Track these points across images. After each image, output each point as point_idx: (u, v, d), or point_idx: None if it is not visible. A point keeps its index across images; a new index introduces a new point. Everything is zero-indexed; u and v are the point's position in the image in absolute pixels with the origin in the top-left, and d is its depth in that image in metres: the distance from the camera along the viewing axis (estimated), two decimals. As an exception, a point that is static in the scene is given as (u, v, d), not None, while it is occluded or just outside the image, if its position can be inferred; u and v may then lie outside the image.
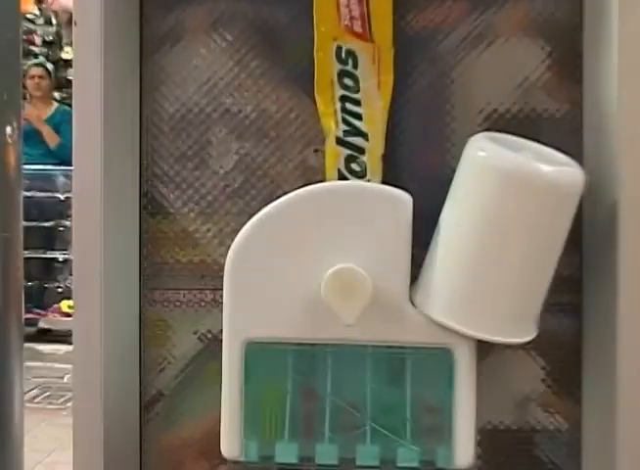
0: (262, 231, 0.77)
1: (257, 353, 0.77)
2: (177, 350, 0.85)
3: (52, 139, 4.80)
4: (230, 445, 0.78)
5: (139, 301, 0.85)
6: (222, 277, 0.77)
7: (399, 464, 0.77)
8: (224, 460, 0.82)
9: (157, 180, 0.85)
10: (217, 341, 0.82)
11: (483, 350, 0.80)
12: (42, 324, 4.80)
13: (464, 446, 0.77)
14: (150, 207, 0.85)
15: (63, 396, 3.92)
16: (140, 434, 0.85)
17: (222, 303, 0.78)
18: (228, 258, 0.77)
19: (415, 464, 0.77)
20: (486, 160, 0.73)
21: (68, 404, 3.85)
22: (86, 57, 0.78)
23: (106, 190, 0.79)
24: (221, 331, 0.78)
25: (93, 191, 0.79)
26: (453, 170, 0.77)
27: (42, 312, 4.85)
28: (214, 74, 0.84)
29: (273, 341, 0.77)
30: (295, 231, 0.76)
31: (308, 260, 0.76)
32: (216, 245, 0.85)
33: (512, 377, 0.84)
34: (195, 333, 0.85)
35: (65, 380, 3.88)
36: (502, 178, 0.72)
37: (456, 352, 0.77)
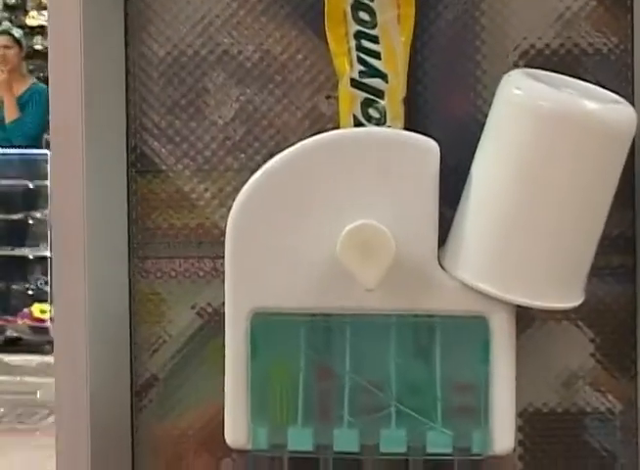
0: (268, 188, 0.77)
1: (265, 327, 0.78)
2: (173, 327, 0.86)
3: (11, 113, 4.74)
4: (236, 433, 0.79)
5: (128, 272, 0.85)
6: (223, 244, 0.78)
7: (429, 450, 0.77)
8: (228, 452, 0.84)
9: (146, 133, 0.86)
10: (219, 315, 0.83)
11: (523, 320, 0.81)
12: (10, 332, 4.79)
13: (503, 428, 0.78)
14: (139, 164, 0.86)
15: (35, 413, 3.91)
16: (132, 424, 0.86)
17: (224, 272, 0.78)
18: (230, 220, 0.77)
19: (447, 450, 0.77)
20: (524, 98, 0.74)
21: (43, 423, 3.86)
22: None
23: (88, 145, 0.80)
24: (223, 304, 0.79)
25: (73, 147, 0.80)
26: (485, 116, 0.78)
27: (10, 318, 4.84)
28: (210, 11, 0.85)
29: (283, 312, 0.77)
30: (305, 186, 0.77)
31: (321, 219, 0.76)
32: (216, 206, 0.85)
33: (556, 352, 0.84)
34: (193, 307, 0.86)
35: (37, 396, 3.88)
36: (542, 119, 0.73)
37: (492, 320, 0.77)
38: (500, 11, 0.83)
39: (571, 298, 0.77)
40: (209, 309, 0.85)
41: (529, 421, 0.84)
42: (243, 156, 0.85)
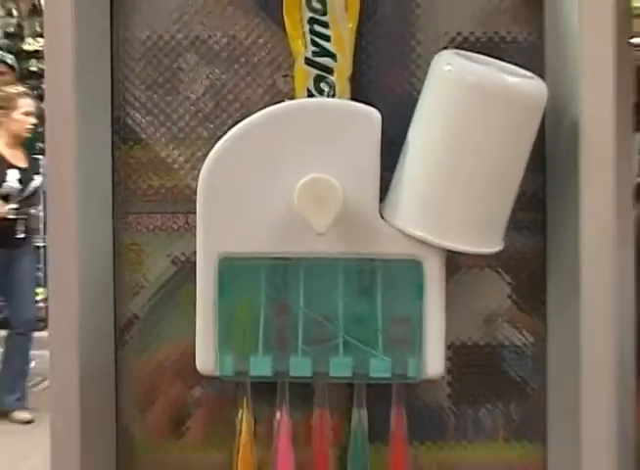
0: (233, 150, 0.77)
1: (231, 269, 0.77)
2: (151, 273, 0.85)
3: None
4: (205, 360, 0.78)
5: (112, 225, 0.85)
6: (194, 201, 0.77)
7: (371, 375, 0.77)
8: (199, 381, 0.83)
9: (129, 106, 0.85)
10: (190, 264, 0.83)
11: (452, 268, 0.81)
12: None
13: (434, 356, 0.78)
14: (122, 132, 0.85)
15: (31, 380, 3.88)
16: (115, 357, 0.85)
17: (195, 226, 0.78)
18: (200, 178, 0.77)
19: (387, 375, 0.77)
20: (453, 73, 0.74)
21: (38, 387, 3.82)
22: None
23: (78, 116, 0.78)
24: (194, 253, 0.78)
25: (66, 117, 0.78)
26: (419, 92, 0.78)
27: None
28: (184, 2, 0.84)
29: (246, 256, 0.77)
30: (265, 149, 0.76)
31: (279, 176, 0.76)
32: (188, 170, 0.85)
33: (479, 294, 0.84)
34: (168, 256, 0.85)
35: (33, 365, 3.84)
36: (469, 90, 0.73)
37: (426, 262, 0.77)
38: (432, 3, 0.83)
39: (493, 244, 0.78)
40: (182, 258, 0.85)
41: (456, 353, 0.85)
42: (212, 126, 0.85)
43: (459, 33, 0.83)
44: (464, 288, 0.84)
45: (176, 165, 0.85)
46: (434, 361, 0.78)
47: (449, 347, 0.84)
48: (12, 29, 5.82)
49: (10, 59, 5.04)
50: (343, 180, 0.75)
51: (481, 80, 0.73)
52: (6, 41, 5.80)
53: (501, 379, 0.85)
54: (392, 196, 0.78)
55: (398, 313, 0.78)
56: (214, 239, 0.77)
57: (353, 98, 0.80)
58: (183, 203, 0.84)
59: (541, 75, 0.80)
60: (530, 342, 0.85)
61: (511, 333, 0.85)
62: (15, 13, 5.87)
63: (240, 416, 0.79)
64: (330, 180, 0.74)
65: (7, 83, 4.62)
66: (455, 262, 0.82)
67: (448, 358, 0.84)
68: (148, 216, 0.85)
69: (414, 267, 0.77)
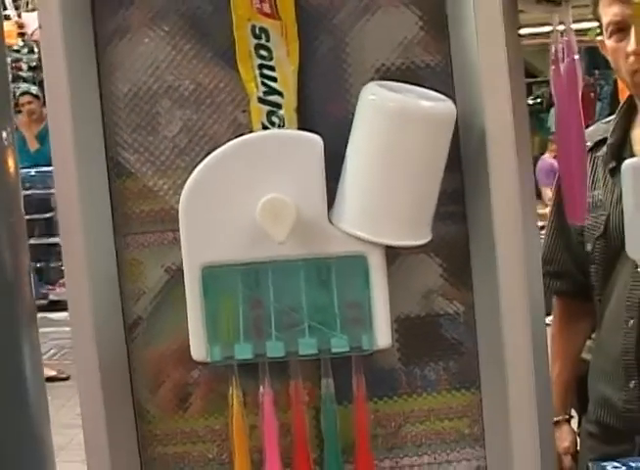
0: (206, 177, 0.78)
1: (212, 275, 0.78)
2: (149, 282, 0.85)
3: (32, 145, 4.77)
4: (198, 350, 0.79)
5: (114, 245, 0.85)
6: (178, 220, 0.78)
7: (333, 350, 0.78)
8: (195, 365, 0.84)
9: (119, 147, 0.85)
10: (181, 271, 0.81)
11: (392, 256, 0.81)
12: (52, 297, 4.76)
13: (382, 330, 0.79)
14: (115, 169, 0.85)
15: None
16: (127, 350, 0.86)
17: (181, 239, 0.78)
18: (181, 200, 0.77)
19: (346, 349, 0.78)
20: (376, 101, 0.75)
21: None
22: (52, 53, 0.77)
23: (79, 158, 0.78)
24: (183, 262, 0.78)
25: (69, 160, 0.78)
26: (354, 116, 0.78)
27: (50, 287, 4.82)
28: (157, 58, 0.84)
29: (224, 263, 0.77)
30: (232, 174, 0.77)
31: (245, 196, 0.77)
32: (172, 195, 0.85)
33: (417, 275, 0.85)
34: (162, 267, 0.85)
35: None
36: (390, 115, 0.74)
37: (369, 257, 0.78)
38: (359, 42, 0.83)
39: (423, 237, 0.79)
40: (174, 267, 0.85)
41: (402, 325, 0.85)
42: (187, 158, 0.84)
43: (383, 64, 0.83)
44: (404, 272, 0.84)
45: (161, 192, 0.85)
46: (383, 335, 0.79)
47: (396, 320, 0.84)
48: (34, 63, 5.78)
49: (34, 89, 5.04)
50: (296, 197, 0.76)
51: (400, 106, 0.74)
52: (31, 73, 5.75)
53: (440, 342, 0.86)
54: (338, 203, 0.78)
55: (351, 299, 0.78)
56: (196, 251, 0.78)
57: (300, 127, 0.80)
58: (170, 222, 0.84)
59: (452, 94, 0.80)
60: (462, 310, 0.85)
61: (445, 304, 0.85)
62: (35, 49, 5.82)
63: (230, 392, 0.80)
64: (284, 199, 0.75)
65: (33, 111, 4.65)
66: (395, 251, 0.82)
67: (396, 330, 0.84)
68: (142, 235, 0.85)
69: (360, 261, 0.78)
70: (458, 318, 0.85)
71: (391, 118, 0.74)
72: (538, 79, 6.57)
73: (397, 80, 0.80)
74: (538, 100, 6.76)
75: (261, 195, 0.75)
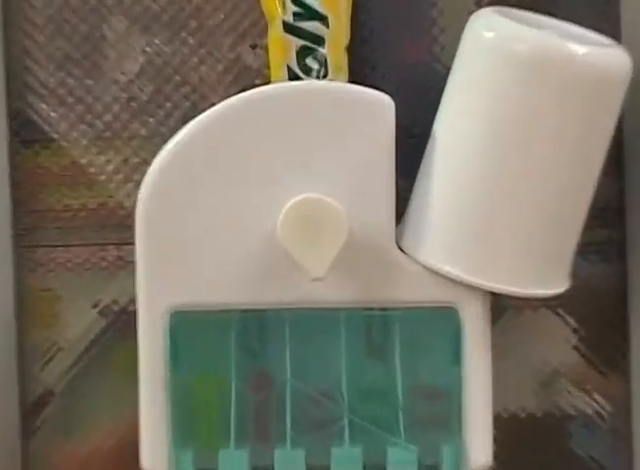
0: (185, 158, 0.73)
1: (187, 327, 0.75)
2: (71, 330, 0.82)
3: None
4: (154, 457, 0.76)
5: (13, 264, 0.82)
6: (130, 226, 0.75)
7: (391, 468, 0.76)
8: None
9: (32, 95, 0.82)
10: (127, 314, 0.81)
11: (494, 310, 0.79)
12: None
13: (479, 440, 0.76)
14: (23, 132, 0.82)
15: None
16: (23, 450, 0.83)
17: (132, 261, 0.75)
18: (140, 198, 0.73)
19: (413, 468, 0.76)
20: (497, 41, 0.71)
21: None
22: None
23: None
24: (132, 301, 0.77)
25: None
26: (443, 66, 0.78)
27: None
28: (106, -57, 0.81)
29: (208, 308, 0.75)
30: (232, 156, 0.73)
31: (254, 195, 0.73)
32: (120, 182, 0.82)
33: (534, 345, 0.83)
34: (95, 306, 0.82)
35: None
36: (520, 65, 0.70)
37: (463, 311, 0.75)
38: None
39: (555, 283, 0.75)
40: (115, 308, 0.82)
41: (504, 428, 0.83)
42: (152, 120, 0.82)
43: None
44: (512, 337, 0.83)
45: (103, 176, 0.82)
46: (478, 447, 0.76)
47: (494, 420, 0.79)
48: None
49: None
50: (347, 198, 0.72)
51: (538, 51, 0.69)
52: None
53: (567, 462, 0.84)
54: (414, 218, 0.75)
55: (427, 382, 0.77)
56: (162, 285, 0.74)
57: (353, 79, 0.77)
58: (114, 229, 0.82)
59: (615, 37, 0.77)
60: (608, 411, 0.83)
61: (579, 398, 0.84)
62: None
63: None
64: (329, 202, 0.71)
65: None
66: (499, 303, 0.80)
67: (493, 437, 0.79)
68: (64, 250, 0.82)
69: (447, 317, 0.75)
70: (601, 424, 0.83)
71: (522, 73, 0.70)
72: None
73: (525, 7, 0.77)
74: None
75: (285, 194, 0.71)
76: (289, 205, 0.71)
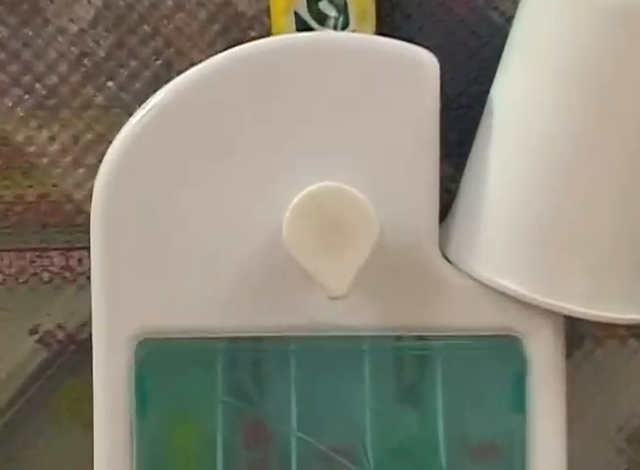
0: (158, 137, 0.72)
1: (158, 360, 0.74)
2: (1, 364, 0.82)
3: None
4: None
5: None
6: (83, 225, 0.76)
7: None
8: None
9: None
10: (76, 344, 0.80)
11: (569, 341, 0.78)
12: None
13: None
14: None
15: None
16: None
17: (84, 272, 0.77)
18: (96, 189, 0.72)
19: None
20: None
21: None
22: None
23: None
24: (85, 325, 0.77)
25: None
26: (503, 15, 0.77)
27: None
28: None
29: (187, 335, 0.74)
30: (222, 132, 0.72)
31: (250, 183, 0.72)
32: (68, 167, 0.80)
33: (620, 389, 0.83)
34: (33, 332, 0.82)
35: None
36: (605, 15, 0.69)
37: (529, 341, 0.74)
38: None
39: None
40: (60, 335, 0.81)
41: None
42: (111, 83, 0.80)
43: None
44: (590, 376, 0.82)
45: (45, 159, 0.80)
46: None
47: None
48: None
49: None
50: (375, 192, 0.71)
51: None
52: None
53: None
54: (464, 218, 0.74)
55: (478, 436, 0.75)
56: (127, 303, 0.73)
57: (382, 31, 0.77)
58: (61, 230, 0.81)
59: None
60: None
61: None
62: None
63: None
64: (353, 193, 0.69)
65: None
66: (574, 332, 0.80)
67: None
68: None
69: (508, 350, 0.74)
70: None
71: (606, 26, 0.68)
72: None
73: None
74: None
75: (295, 182, 0.70)
76: (298, 197, 0.69)
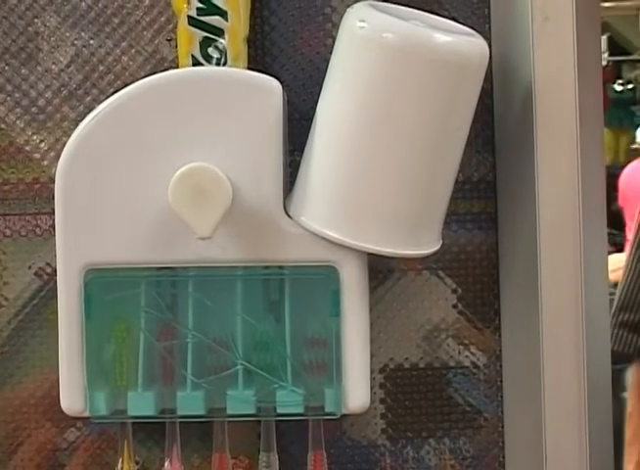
0: (98, 134, 0.72)
1: (100, 283, 0.73)
2: (10, 289, 0.81)
3: None
4: (71, 398, 0.74)
5: None
6: None
7: (280, 411, 0.74)
8: (74, 422, 0.80)
9: None
10: None
11: (382, 272, 0.79)
12: None
13: (357, 385, 0.74)
14: None
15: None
16: None
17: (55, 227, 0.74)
18: (58, 169, 0.73)
19: (299, 410, 0.74)
20: (368, 31, 0.69)
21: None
22: None
23: None
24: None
25: None
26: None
27: None
28: (40, -50, 0.79)
29: (119, 266, 0.73)
30: (138, 131, 0.72)
31: (157, 165, 0.72)
32: (52, 159, 0.80)
33: (417, 304, 0.82)
34: (30, 267, 0.81)
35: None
36: (388, 52, 0.69)
37: (342, 269, 0.73)
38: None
39: (425, 244, 0.73)
40: (49, 269, 0.80)
41: (391, 377, 0.81)
42: (80, 105, 0.80)
43: (381, -20, 0.78)
44: (398, 297, 0.81)
45: (37, 154, 0.80)
46: (357, 391, 0.74)
47: (381, 370, 0.81)
48: None
49: None
50: (235, 168, 0.71)
51: (404, 39, 0.68)
52: None
53: (447, 407, 0.82)
54: (299, 187, 0.73)
55: (311, 333, 0.74)
56: (77, 245, 0.73)
57: (251, 67, 0.76)
58: (47, 201, 0.80)
59: (486, 31, 0.78)
60: (482, 362, 0.82)
61: (457, 351, 0.82)
62: None
63: (119, 466, 0.76)
64: (213, 170, 0.69)
65: None
66: (386, 265, 0.79)
67: (381, 385, 0.81)
68: (3, 219, 0.81)
69: (328, 276, 0.73)
70: (476, 373, 0.82)
71: (389, 58, 0.68)
72: (631, 57, 6.58)
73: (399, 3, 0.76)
74: (630, 86, 6.74)
75: (182, 163, 0.70)
76: (178, 172, 0.70)
